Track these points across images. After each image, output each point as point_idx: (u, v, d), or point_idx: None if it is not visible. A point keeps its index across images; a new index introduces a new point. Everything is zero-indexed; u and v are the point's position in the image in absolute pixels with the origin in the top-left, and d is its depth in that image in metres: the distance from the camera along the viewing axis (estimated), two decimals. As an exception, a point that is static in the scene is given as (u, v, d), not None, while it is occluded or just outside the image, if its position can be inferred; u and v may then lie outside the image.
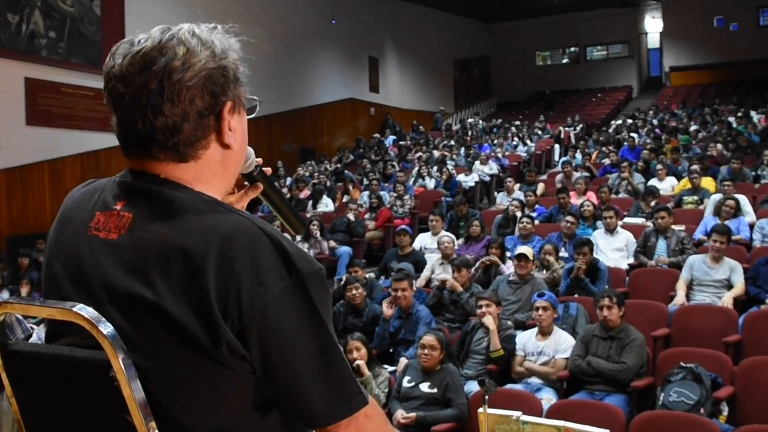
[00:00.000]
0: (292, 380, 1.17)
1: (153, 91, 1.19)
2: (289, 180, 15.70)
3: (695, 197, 10.20)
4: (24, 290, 9.68)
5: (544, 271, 7.68)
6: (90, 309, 1.14)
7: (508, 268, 7.82)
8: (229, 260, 1.13)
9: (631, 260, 8.19)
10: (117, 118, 1.24)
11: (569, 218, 8.71)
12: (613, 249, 8.33)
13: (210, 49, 1.23)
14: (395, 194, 12.49)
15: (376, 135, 21.34)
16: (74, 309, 1.14)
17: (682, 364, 5.16)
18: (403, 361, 6.08)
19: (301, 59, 19.37)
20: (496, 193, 13.85)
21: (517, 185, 12.71)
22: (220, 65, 1.24)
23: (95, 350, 1.14)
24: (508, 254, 8.24)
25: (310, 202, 13.15)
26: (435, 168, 14.75)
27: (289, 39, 18.65)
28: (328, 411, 1.19)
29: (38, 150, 12.81)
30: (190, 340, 1.13)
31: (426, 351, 5.44)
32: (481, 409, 3.30)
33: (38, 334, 1.84)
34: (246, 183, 1.50)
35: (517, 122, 21.87)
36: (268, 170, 1.52)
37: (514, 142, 18.40)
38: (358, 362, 5.54)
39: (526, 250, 7.34)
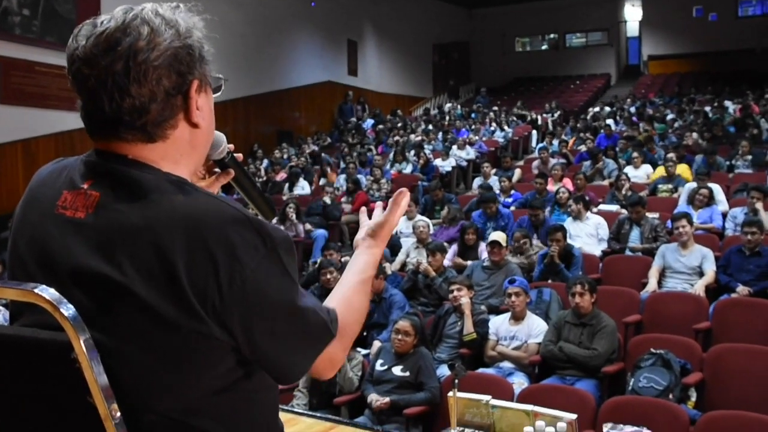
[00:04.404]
0: (276, 346, 1.22)
1: (119, 72, 1.17)
2: (265, 162, 15.62)
3: (670, 185, 10.27)
4: (-4, 270, 9.56)
5: (519, 256, 7.71)
6: (51, 290, 1.12)
7: (482, 252, 7.86)
8: (201, 242, 1.13)
9: (604, 246, 8.24)
10: (82, 100, 1.23)
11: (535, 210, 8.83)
12: (586, 234, 8.36)
13: (174, 29, 1.22)
14: (372, 178, 12.47)
15: (352, 119, 21.28)
16: (35, 290, 1.12)
17: (652, 350, 5.21)
18: (376, 345, 6.10)
19: (279, 41, 19.21)
20: (472, 178, 13.89)
21: (494, 171, 12.76)
22: (185, 44, 1.23)
23: (58, 332, 1.12)
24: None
25: (287, 185, 13.10)
26: (412, 152, 14.74)
27: (267, 21, 18.46)
28: (308, 360, 1.29)
29: (11, 129, 12.61)
30: (159, 322, 1.12)
31: (400, 336, 5.45)
32: (451, 393, 3.32)
33: (3, 315, 1.82)
34: (217, 169, 1.50)
35: (495, 108, 21.86)
36: (239, 156, 1.52)
37: (492, 128, 18.41)
38: None
39: (499, 236, 7.34)
